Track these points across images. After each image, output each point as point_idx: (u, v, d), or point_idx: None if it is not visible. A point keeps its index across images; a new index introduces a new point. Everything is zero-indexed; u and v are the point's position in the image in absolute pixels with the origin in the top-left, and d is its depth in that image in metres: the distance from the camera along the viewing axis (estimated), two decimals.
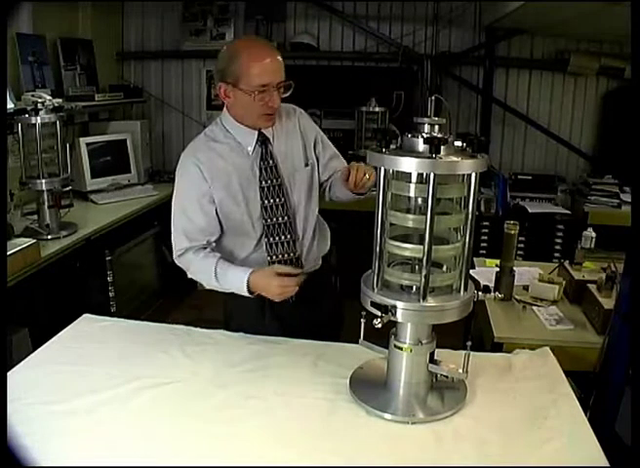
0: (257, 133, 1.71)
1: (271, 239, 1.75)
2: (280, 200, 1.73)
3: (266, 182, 1.71)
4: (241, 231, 1.75)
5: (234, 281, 1.62)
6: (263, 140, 1.71)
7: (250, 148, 1.71)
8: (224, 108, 1.74)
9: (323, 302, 1.88)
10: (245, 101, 1.63)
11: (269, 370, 1.50)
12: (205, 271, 1.67)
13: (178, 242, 1.71)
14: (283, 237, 1.75)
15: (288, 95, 1.66)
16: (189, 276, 1.74)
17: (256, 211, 1.73)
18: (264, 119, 1.68)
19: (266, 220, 1.73)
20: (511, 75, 4.14)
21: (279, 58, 1.63)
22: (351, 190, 1.70)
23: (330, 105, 4.12)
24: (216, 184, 1.69)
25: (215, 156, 1.70)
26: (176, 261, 1.73)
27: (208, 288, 1.72)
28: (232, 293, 1.68)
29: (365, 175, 1.64)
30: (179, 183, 1.73)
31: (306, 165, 1.80)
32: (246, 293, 1.61)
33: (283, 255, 1.76)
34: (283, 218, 1.74)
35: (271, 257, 1.75)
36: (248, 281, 1.59)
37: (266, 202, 1.72)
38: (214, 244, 1.73)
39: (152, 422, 1.27)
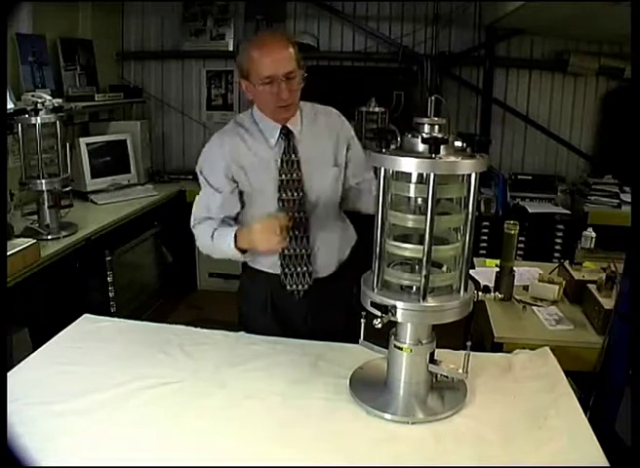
0: (280, 126, 1.70)
1: None
2: (298, 195, 1.72)
3: (286, 175, 1.70)
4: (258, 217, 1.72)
5: (224, 237, 1.65)
6: (287, 134, 1.71)
7: (272, 141, 1.71)
8: None
9: (334, 313, 1.82)
10: (258, 94, 1.64)
11: (269, 369, 1.49)
12: (205, 234, 1.70)
13: (196, 211, 1.76)
14: (297, 232, 1.73)
15: (302, 85, 1.66)
16: (197, 244, 1.76)
17: (273, 202, 1.72)
18: (280, 111, 1.67)
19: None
20: (511, 75, 4.14)
21: (289, 49, 1.61)
22: None
23: (329, 105, 4.12)
24: (236, 168, 1.70)
25: (239, 141, 1.71)
26: (192, 229, 1.77)
27: (205, 253, 1.73)
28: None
29: None
30: (203, 160, 1.75)
31: (335, 165, 1.78)
32: (235, 251, 1.62)
33: (295, 250, 1.74)
34: (299, 214, 1.73)
35: (282, 250, 1.71)
36: (235, 235, 1.62)
37: (284, 195, 1.71)
38: (232, 222, 1.74)
39: (152, 422, 1.27)
